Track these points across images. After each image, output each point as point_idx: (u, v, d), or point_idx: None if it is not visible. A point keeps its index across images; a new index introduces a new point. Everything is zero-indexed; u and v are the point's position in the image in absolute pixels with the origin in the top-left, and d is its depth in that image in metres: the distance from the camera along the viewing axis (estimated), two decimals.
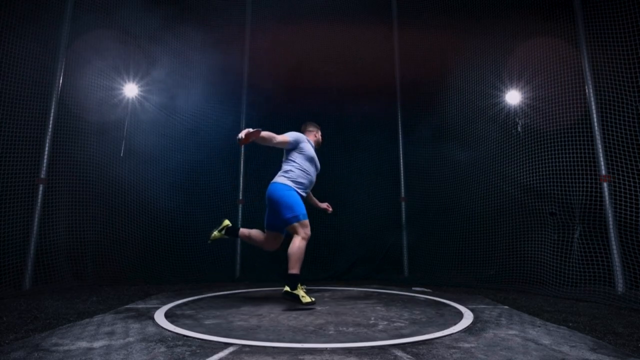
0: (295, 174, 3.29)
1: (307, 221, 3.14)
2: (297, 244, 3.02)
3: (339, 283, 4.74)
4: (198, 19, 5.47)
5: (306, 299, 2.90)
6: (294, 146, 3.36)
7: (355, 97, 5.58)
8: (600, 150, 3.63)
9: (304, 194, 3.34)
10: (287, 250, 3.03)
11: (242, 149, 5.61)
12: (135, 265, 4.55)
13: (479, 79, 4.80)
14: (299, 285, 2.96)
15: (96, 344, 1.90)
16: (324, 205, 3.77)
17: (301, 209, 3.15)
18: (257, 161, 5.54)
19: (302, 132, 3.62)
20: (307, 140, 3.49)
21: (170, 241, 4.88)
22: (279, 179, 3.28)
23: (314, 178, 3.47)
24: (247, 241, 3.63)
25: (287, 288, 2.91)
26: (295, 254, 2.99)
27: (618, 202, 3.45)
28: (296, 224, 3.09)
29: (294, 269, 2.96)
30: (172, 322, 2.41)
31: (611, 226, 3.48)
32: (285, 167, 3.36)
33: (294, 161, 3.34)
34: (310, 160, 3.40)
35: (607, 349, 1.88)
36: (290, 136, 3.32)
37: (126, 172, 4.66)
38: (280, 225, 3.31)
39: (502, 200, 4.38)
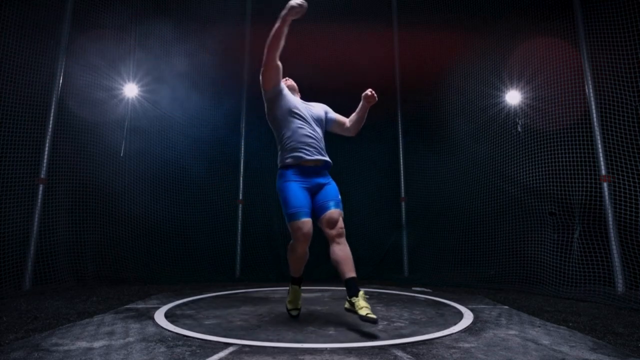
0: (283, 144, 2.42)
1: (299, 222, 2.29)
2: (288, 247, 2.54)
3: (339, 283, 4.74)
4: (198, 19, 5.47)
5: (288, 304, 2.62)
6: (274, 94, 2.40)
7: (355, 97, 5.58)
8: (600, 150, 3.63)
9: (308, 159, 2.39)
10: None
11: (242, 149, 5.63)
12: (135, 265, 4.55)
13: (479, 78, 4.80)
14: (294, 287, 2.65)
15: (96, 344, 1.90)
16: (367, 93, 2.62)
17: (291, 205, 2.32)
18: (257, 161, 5.54)
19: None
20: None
21: (171, 241, 4.88)
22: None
23: (312, 132, 2.43)
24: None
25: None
26: (288, 259, 2.56)
27: (618, 202, 3.45)
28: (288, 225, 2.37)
29: (290, 271, 2.65)
30: (172, 322, 2.41)
31: (611, 226, 3.48)
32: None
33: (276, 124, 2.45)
34: (290, 113, 2.42)
35: (607, 349, 1.88)
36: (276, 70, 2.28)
37: (126, 172, 4.66)
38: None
39: (502, 200, 4.38)
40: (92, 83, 4.45)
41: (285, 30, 2.21)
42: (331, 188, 2.47)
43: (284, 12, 2.18)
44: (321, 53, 5.64)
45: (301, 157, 2.36)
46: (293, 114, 2.41)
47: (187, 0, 5.48)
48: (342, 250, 2.29)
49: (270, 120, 2.46)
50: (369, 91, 2.57)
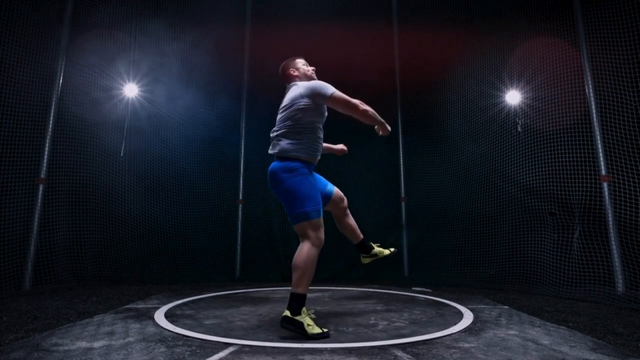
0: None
1: (322, 218, 2.29)
2: (306, 251, 2.21)
3: (339, 283, 4.74)
4: (198, 18, 5.47)
5: (314, 329, 2.10)
6: (324, 105, 2.51)
7: (354, 96, 5.58)
8: (600, 150, 3.63)
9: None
10: (293, 261, 2.23)
11: (242, 149, 5.64)
12: (135, 265, 4.55)
13: (479, 78, 4.80)
14: (305, 309, 2.17)
15: (96, 344, 1.90)
16: (339, 146, 2.95)
17: (317, 201, 2.30)
18: (257, 161, 5.54)
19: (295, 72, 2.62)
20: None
21: (171, 241, 4.88)
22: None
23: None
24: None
25: (287, 312, 2.12)
26: (301, 267, 2.17)
27: (618, 202, 3.45)
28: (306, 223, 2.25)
29: (300, 287, 2.15)
30: (172, 322, 2.41)
31: (611, 226, 3.47)
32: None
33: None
34: (321, 121, 2.50)
35: (607, 349, 1.88)
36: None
37: (126, 172, 4.66)
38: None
39: (502, 200, 4.38)
40: (92, 83, 4.45)
41: (368, 121, 2.47)
42: (320, 176, 2.68)
43: (383, 120, 2.49)
44: (321, 53, 5.63)
45: (315, 157, 2.44)
46: (322, 121, 2.49)
47: (187, 0, 5.48)
48: (352, 219, 2.73)
49: (302, 115, 2.34)
50: (345, 149, 2.97)
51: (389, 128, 2.52)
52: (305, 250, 2.19)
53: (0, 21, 3.76)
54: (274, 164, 2.34)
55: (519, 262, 4.07)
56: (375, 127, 2.54)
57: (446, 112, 5.17)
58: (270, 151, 2.42)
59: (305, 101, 2.34)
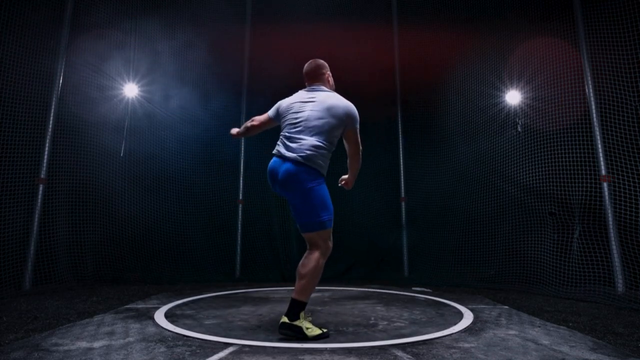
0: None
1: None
2: (316, 261, 2.16)
3: (339, 283, 4.74)
4: (198, 18, 5.47)
5: (314, 331, 2.10)
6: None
7: (354, 98, 5.58)
8: (600, 150, 3.63)
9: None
10: (298, 267, 2.17)
11: (242, 149, 5.64)
12: (135, 265, 4.55)
13: (479, 78, 4.80)
14: (302, 314, 2.12)
15: (96, 344, 1.90)
16: None
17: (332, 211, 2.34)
18: (257, 161, 5.54)
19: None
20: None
21: (171, 241, 4.88)
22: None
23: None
24: None
25: (284, 319, 2.08)
26: (309, 276, 2.12)
27: (618, 202, 3.45)
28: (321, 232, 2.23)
29: (303, 296, 2.11)
30: (172, 322, 2.41)
31: (611, 226, 3.47)
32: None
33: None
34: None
35: (607, 349, 1.88)
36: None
37: (126, 172, 4.66)
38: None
39: (502, 201, 4.38)
40: (92, 83, 4.45)
41: (352, 166, 2.54)
42: None
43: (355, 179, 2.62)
44: (321, 53, 5.63)
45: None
46: None
47: (187, 0, 5.47)
48: None
49: (337, 133, 2.35)
50: None
51: (351, 187, 2.66)
52: (314, 260, 2.15)
53: (0, 21, 3.76)
54: (294, 166, 2.17)
55: (519, 262, 4.07)
56: (347, 175, 2.59)
57: (446, 112, 5.17)
58: (289, 154, 2.21)
59: (337, 130, 2.32)
